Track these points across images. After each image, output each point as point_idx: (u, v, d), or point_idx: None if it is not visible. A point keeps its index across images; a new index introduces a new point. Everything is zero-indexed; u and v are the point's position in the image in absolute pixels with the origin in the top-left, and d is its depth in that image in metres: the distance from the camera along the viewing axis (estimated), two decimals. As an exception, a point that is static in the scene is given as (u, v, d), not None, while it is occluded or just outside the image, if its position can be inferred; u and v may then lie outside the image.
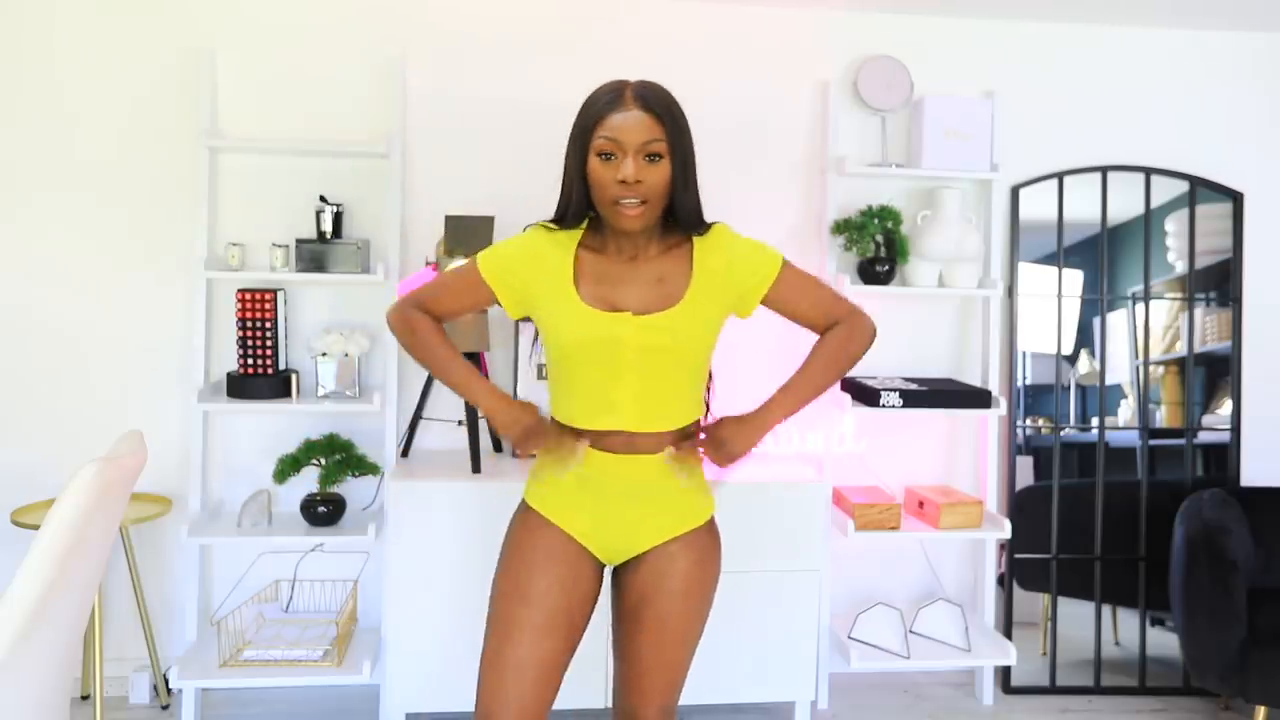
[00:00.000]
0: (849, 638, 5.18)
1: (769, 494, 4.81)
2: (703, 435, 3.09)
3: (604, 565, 3.15)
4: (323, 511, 4.91)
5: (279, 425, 5.26)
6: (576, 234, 3.02)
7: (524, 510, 3.16)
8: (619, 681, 3.17)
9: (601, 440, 3.01)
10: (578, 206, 2.95)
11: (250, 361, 4.97)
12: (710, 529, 3.16)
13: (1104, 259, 5.65)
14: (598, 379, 2.94)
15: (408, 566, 4.65)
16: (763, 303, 3.08)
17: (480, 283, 3.04)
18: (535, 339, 3.40)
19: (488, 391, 3.10)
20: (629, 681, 3.12)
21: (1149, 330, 5.69)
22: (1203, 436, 5.75)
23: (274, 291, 5.00)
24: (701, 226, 3.00)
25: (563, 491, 3.07)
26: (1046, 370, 5.66)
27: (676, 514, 3.07)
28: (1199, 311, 5.74)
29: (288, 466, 4.93)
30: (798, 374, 3.14)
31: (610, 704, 4.16)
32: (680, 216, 2.95)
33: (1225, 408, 5.75)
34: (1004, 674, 5.53)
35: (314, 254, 4.99)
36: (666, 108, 2.86)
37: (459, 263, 4.56)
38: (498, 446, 5.24)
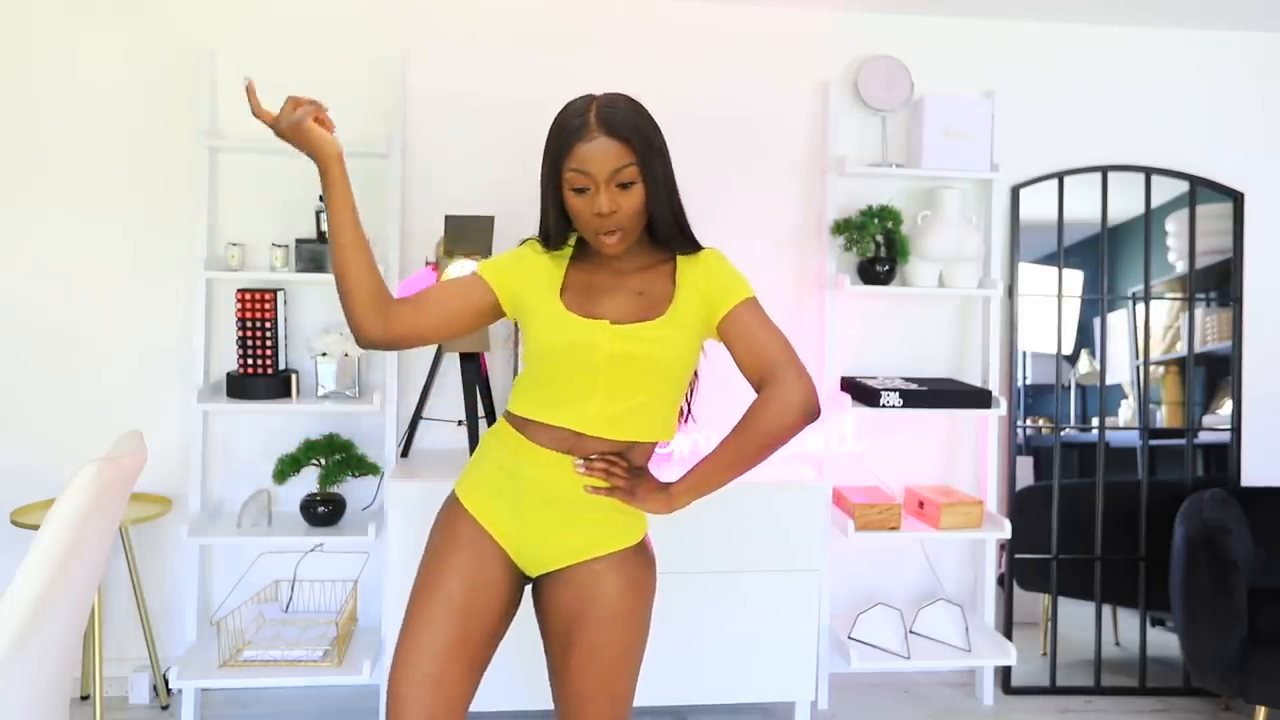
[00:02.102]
0: (849, 638, 5.18)
1: (769, 494, 4.80)
2: (625, 471, 2.92)
3: (525, 578, 3.04)
4: (322, 511, 4.92)
5: (279, 425, 5.26)
6: (567, 252, 3.00)
7: (449, 501, 3.10)
8: (559, 714, 3.03)
9: (547, 435, 2.91)
10: (557, 231, 2.93)
11: (250, 361, 4.97)
12: (642, 549, 3.02)
13: (1104, 259, 5.64)
14: (569, 382, 2.88)
15: (408, 567, 4.61)
16: (719, 334, 2.91)
17: (477, 281, 2.96)
18: (516, 347, 3.32)
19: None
20: (568, 714, 2.98)
21: (1149, 330, 5.69)
22: (1203, 436, 5.75)
23: (274, 291, 5.00)
24: (687, 245, 2.94)
25: (489, 486, 2.98)
26: (1047, 370, 5.66)
27: (604, 530, 2.94)
28: (1199, 311, 5.74)
29: (287, 466, 4.94)
30: (712, 454, 2.93)
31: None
32: (659, 232, 2.90)
33: (1225, 408, 5.75)
34: (1004, 674, 5.52)
35: (314, 254, 4.99)
36: (635, 129, 2.77)
37: (460, 263, 4.57)
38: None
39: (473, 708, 4.83)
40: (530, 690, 4.55)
